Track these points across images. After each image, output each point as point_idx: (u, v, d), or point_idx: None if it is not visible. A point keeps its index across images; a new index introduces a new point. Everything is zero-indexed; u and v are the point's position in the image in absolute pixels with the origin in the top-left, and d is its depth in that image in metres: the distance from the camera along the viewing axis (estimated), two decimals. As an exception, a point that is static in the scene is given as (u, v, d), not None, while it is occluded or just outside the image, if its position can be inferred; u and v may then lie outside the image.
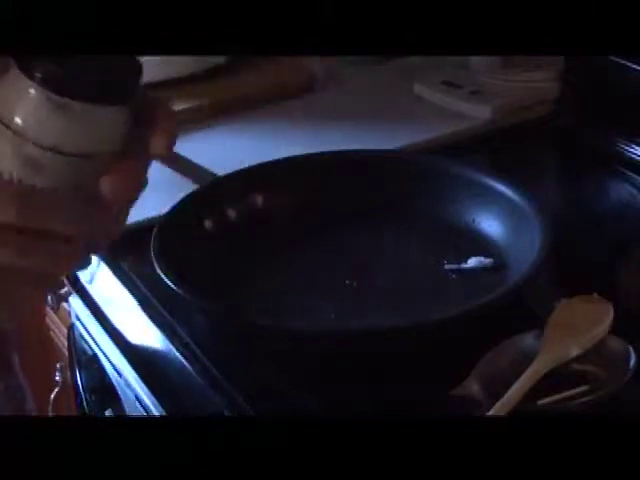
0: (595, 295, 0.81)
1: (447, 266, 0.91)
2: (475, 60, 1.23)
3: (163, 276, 0.85)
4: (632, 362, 0.75)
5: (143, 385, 0.85)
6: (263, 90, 1.28)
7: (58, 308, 1.16)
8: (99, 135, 0.56)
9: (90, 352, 0.98)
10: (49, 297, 1.14)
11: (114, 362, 0.92)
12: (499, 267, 0.90)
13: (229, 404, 0.78)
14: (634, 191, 1.08)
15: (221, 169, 1.03)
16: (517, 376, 0.74)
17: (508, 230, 0.93)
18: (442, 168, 1.00)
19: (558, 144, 1.18)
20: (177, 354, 0.84)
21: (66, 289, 1.09)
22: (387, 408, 0.75)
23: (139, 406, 0.85)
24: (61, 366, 1.20)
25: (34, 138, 0.55)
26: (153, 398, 0.83)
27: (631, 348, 0.76)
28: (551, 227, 0.88)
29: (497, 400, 0.72)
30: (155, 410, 0.82)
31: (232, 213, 0.98)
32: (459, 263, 0.91)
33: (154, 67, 1.27)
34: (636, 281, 0.90)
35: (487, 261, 0.91)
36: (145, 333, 0.89)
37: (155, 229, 0.91)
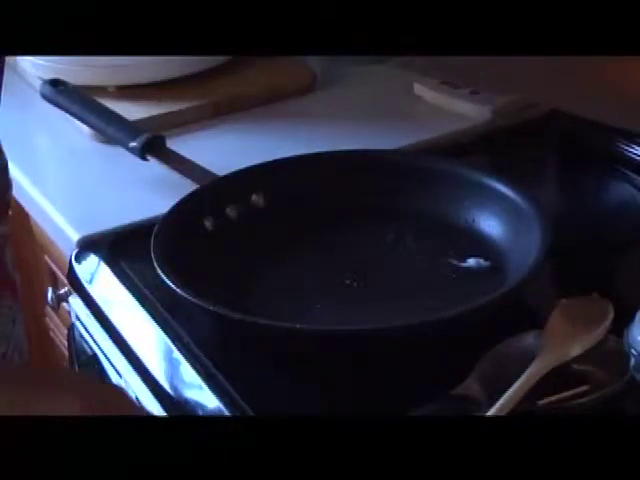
0: (595, 295, 0.81)
1: (447, 263, 0.91)
2: (475, 60, 1.23)
3: (163, 276, 0.85)
4: (632, 362, 0.75)
5: (143, 385, 0.85)
6: (263, 90, 1.28)
7: (58, 308, 1.16)
8: None
9: (90, 352, 0.98)
10: (49, 297, 1.14)
11: (114, 362, 0.92)
12: (499, 267, 0.90)
13: (229, 404, 0.78)
14: (634, 191, 1.08)
15: (221, 169, 1.03)
16: (517, 376, 0.74)
17: (508, 230, 0.93)
18: (442, 168, 1.00)
19: (558, 144, 1.18)
20: (177, 354, 0.84)
21: (66, 289, 1.09)
22: (387, 408, 0.75)
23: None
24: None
25: None
26: (153, 398, 0.83)
27: (631, 348, 0.76)
28: (551, 227, 0.88)
29: (497, 400, 0.72)
30: (155, 410, 0.82)
31: (232, 213, 0.98)
32: (459, 263, 0.91)
33: (154, 67, 1.27)
34: (636, 281, 0.90)
35: (486, 263, 0.91)
36: (145, 333, 0.89)
37: (155, 229, 0.91)
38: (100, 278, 0.97)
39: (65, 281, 1.07)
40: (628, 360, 0.75)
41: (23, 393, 0.62)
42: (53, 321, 1.31)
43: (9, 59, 1.35)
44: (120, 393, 0.68)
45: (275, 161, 1.03)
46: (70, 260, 1.00)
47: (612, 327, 0.78)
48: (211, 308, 0.82)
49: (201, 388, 0.80)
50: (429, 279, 0.91)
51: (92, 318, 0.96)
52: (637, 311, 0.78)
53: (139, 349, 0.88)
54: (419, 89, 1.26)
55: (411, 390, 0.77)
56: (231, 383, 0.79)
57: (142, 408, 0.76)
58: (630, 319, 0.78)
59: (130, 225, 1.02)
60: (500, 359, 0.77)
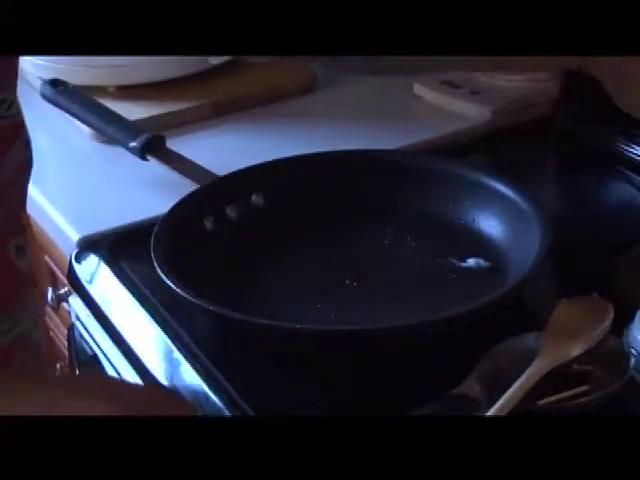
0: (595, 295, 0.81)
1: (447, 263, 0.91)
2: (475, 60, 1.23)
3: (163, 276, 0.85)
4: (632, 362, 0.75)
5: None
6: (263, 90, 1.28)
7: (58, 308, 1.16)
8: None
9: (90, 352, 0.98)
10: (49, 297, 1.14)
11: (114, 362, 0.92)
12: (499, 267, 0.90)
13: (229, 404, 0.78)
14: (634, 191, 1.08)
15: (221, 169, 1.03)
16: (517, 376, 0.74)
17: (508, 230, 0.93)
18: (442, 168, 1.00)
19: (558, 144, 1.18)
20: (177, 354, 0.84)
21: (66, 289, 1.09)
22: (387, 408, 0.75)
23: (139, 406, 0.85)
24: (61, 366, 1.20)
25: None
26: (153, 398, 0.83)
27: (631, 348, 0.76)
28: (551, 227, 0.88)
29: (497, 400, 0.72)
30: (155, 410, 0.82)
31: (232, 213, 0.98)
32: (459, 263, 0.91)
33: (154, 67, 1.27)
34: (636, 281, 0.90)
35: (485, 263, 0.91)
36: (145, 333, 0.89)
37: (155, 229, 0.91)
38: (100, 278, 0.97)
39: (65, 281, 1.07)
40: (628, 360, 0.75)
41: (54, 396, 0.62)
42: (53, 321, 1.30)
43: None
44: (167, 395, 0.68)
45: (275, 161, 1.03)
46: (70, 260, 1.00)
47: (612, 327, 0.78)
48: (211, 308, 0.82)
49: (201, 388, 0.80)
50: (429, 279, 0.91)
51: (92, 318, 0.96)
52: (637, 311, 0.78)
53: (139, 349, 0.88)
54: (419, 89, 1.26)
55: (411, 390, 0.77)
56: (231, 383, 0.79)
57: (194, 409, 0.75)
58: (630, 319, 0.78)
59: (130, 225, 1.02)
60: (500, 359, 0.77)
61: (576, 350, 0.77)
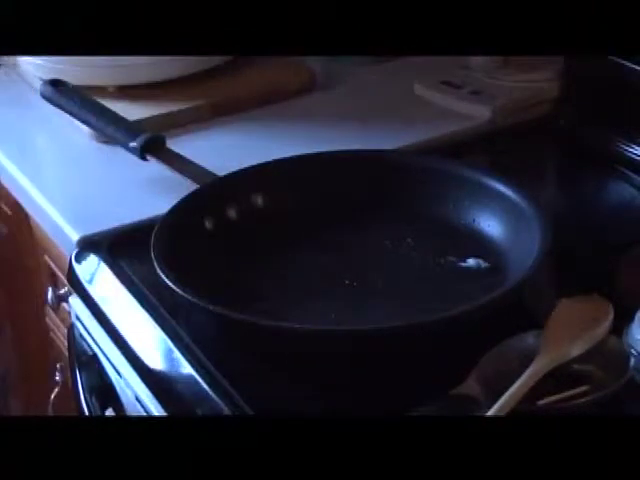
0: (595, 295, 0.81)
1: (447, 263, 0.91)
2: (475, 60, 1.24)
3: (163, 276, 0.85)
4: (632, 362, 0.75)
5: (143, 385, 0.85)
6: (263, 90, 1.28)
7: (58, 308, 1.16)
8: None
9: (90, 352, 0.98)
10: (49, 297, 1.14)
11: (114, 362, 0.92)
12: (499, 267, 0.90)
13: (229, 404, 0.78)
14: (634, 191, 1.08)
15: (221, 169, 1.03)
16: (517, 376, 0.74)
17: (508, 230, 0.93)
18: (442, 168, 1.00)
19: (558, 144, 1.18)
20: (177, 354, 0.84)
21: (66, 289, 1.09)
22: (387, 408, 0.75)
23: (139, 406, 0.85)
24: (61, 366, 1.20)
25: None
26: (153, 398, 0.83)
27: (631, 348, 0.76)
28: (551, 227, 0.88)
29: (497, 400, 0.72)
30: (155, 410, 0.82)
31: (232, 213, 0.98)
32: (459, 263, 0.91)
33: (154, 67, 1.27)
34: (636, 281, 0.91)
35: (485, 263, 0.91)
36: (145, 333, 0.89)
37: (155, 229, 0.91)
38: (100, 278, 0.97)
39: (65, 281, 1.07)
40: (628, 360, 0.75)
41: None
42: (53, 321, 1.30)
43: (9, 59, 1.35)
44: None
45: (275, 161, 1.03)
46: (70, 260, 1.00)
47: (612, 327, 0.78)
48: (211, 308, 0.82)
49: (201, 388, 0.80)
50: (429, 279, 0.91)
51: (92, 318, 0.96)
52: (637, 311, 0.78)
53: (139, 349, 0.88)
54: (419, 89, 1.26)
55: (411, 390, 0.77)
56: (231, 383, 0.79)
57: None
58: (630, 319, 0.78)
59: (130, 225, 1.02)
60: (500, 359, 0.77)
61: (576, 350, 0.77)
